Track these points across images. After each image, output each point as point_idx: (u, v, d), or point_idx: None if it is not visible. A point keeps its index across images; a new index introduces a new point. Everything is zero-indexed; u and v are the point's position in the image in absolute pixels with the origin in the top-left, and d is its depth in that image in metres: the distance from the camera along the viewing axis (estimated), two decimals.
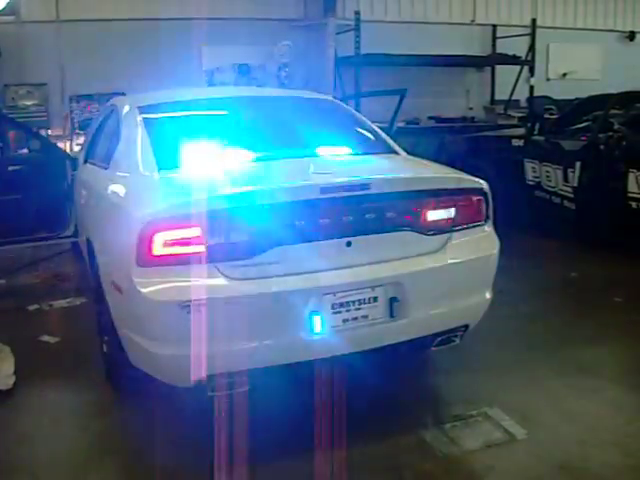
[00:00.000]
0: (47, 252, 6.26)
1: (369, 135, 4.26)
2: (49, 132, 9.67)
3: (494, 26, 12.83)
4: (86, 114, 9.95)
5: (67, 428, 3.49)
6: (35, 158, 5.70)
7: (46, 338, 4.55)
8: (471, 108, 12.70)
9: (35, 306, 5.25)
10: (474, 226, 3.49)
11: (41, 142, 5.84)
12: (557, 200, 6.89)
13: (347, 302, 3.08)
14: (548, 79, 13.44)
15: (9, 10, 9.57)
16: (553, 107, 10.39)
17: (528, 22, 12.56)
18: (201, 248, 2.88)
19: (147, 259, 2.87)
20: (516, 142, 7.67)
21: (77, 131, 9.57)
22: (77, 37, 9.87)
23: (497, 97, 12.95)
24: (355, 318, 3.11)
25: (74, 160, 5.50)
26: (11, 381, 3.84)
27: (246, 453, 2.98)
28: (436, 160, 4.13)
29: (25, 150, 7.57)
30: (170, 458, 3.08)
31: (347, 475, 2.97)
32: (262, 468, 2.98)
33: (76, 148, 8.79)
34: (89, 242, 4.02)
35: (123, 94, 7.24)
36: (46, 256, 6.27)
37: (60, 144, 8.31)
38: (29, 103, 10.04)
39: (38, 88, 10.07)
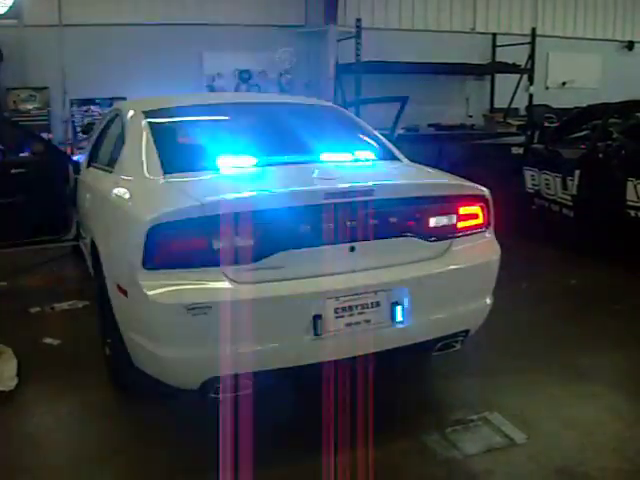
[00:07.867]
0: (49, 255, 6.26)
1: (371, 141, 4.28)
2: (50, 136, 9.68)
3: (494, 34, 12.91)
4: (87, 118, 9.99)
5: (69, 430, 3.51)
6: (37, 161, 5.71)
7: (48, 340, 4.55)
8: (471, 116, 12.77)
9: (37, 309, 5.25)
10: (475, 232, 3.53)
11: (43, 145, 5.84)
12: (556, 208, 6.92)
13: (350, 306, 3.11)
14: (547, 88, 13.52)
15: (12, 14, 9.64)
16: (553, 115, 10.44)
17: (528, 31, 12.63)
18: (207, 252, 2.91)
19: (153, 262, 2.90)
20: (515, 150, 7.70)
21: (81, 135, 9.59)
22: (79, 41, 9.93)
23: (496, 105, 13.02)
24: (358, 322, 3.13)
25: (76, 163, 5.52)
26: (13, 383, 3.85)
27: (249, 455, 2.99)
28: (435, 167, 4.16)
29: (26, 153, 7.58)
30: (172, 460, 3.11)
31: (348, 479, 2.99)
32: (264, 470, 2.99)
33: (78, 152, 8.79)
34: (93, 245, 4.03)
35: (124, 98, 7.27)
36: (48, 259, 6.27)
37: (61, 148, 8.33)
38: (31, 107, 10.07)
39: (40, 92, 10.11)
